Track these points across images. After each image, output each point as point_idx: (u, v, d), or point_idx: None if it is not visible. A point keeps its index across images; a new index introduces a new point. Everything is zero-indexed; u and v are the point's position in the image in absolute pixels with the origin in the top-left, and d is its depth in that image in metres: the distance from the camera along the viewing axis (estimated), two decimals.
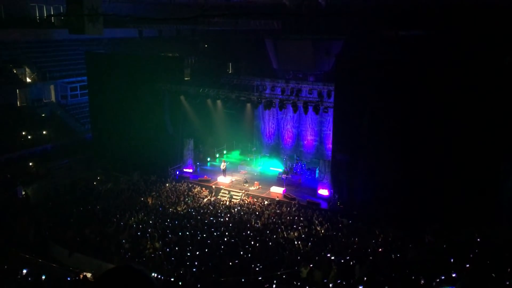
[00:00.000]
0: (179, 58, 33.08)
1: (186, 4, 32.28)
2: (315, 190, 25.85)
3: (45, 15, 36.25)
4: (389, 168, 22.64)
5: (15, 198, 24.94)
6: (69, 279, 15.69)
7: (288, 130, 31.67)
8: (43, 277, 15.06)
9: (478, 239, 18.92)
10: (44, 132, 32.33)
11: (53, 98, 36.18)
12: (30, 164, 28.94)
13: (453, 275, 14.92)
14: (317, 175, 27.36)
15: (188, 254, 18.25)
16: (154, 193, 25.80)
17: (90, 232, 20.44)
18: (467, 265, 16.03)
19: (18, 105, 33.93)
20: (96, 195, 25.65)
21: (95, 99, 32.60)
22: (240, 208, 24.09)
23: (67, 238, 20.08)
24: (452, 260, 16.89)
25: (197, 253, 18.30)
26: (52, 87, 35.96)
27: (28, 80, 34.52)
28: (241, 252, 18.45)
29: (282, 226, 21.14)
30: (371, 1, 26.63)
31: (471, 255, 17.40)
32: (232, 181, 28.04)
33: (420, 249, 18.50)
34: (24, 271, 15.26)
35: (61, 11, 35.05)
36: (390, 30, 30.17)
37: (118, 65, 30.65)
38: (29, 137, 31.40)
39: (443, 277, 14.69)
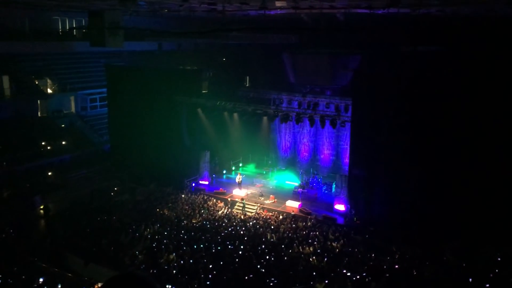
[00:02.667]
0: (197, 71, 33.38)
1: (204, 18, 32.66)
2: (332, 205, 25.64)
3: (67, 28, 37.02)
4: (407, 184, 22.36)
5: (33, 207, 25.26)
6: None
7: (305, 144, 31.59)
8: (59, 286, 15.17)
9: (499, 259, 18.52)
10: (63, 143, 32.81)
11: (73, 109, 36.78)
12: (49, 174, 29.35)
13: None
14: (333, 189, 27.15)
15: (202, 266, 18.19)
16: (170, 204, 25.89)
17: (106, 242, 20.56)
18: (487, 285, 15.68)
19: (39, 115, 34.54)
20: (113, 206, 25.83)
21: (114, 110, 33.05)
22: (256, 221, 24.00)
23: (83, 248, 20.21)
24: (471, 279, 16.55)
25: (211, 266, 18.23)
26: (72, 98, 36.59)
27: (49, 91, 35.17)
28: (256, 266, 18.33)
29: (297, 241, 20.98)
30: (390, 16, 26.58)
31: (491, 275, 17.02)
32: (247, 194, 27.99)
33: (438, 267, 18.16)
34: (41, 280, 15.39)
35: (83, 24, 35.75)
36: (408, 45, 30.00)
37: (137, 77, 31.05)
38: (48, 147, 31.88)
39: None
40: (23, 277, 16.23)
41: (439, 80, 22.00)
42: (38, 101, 34.45)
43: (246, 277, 17.27)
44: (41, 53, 34.91)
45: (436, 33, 29.30)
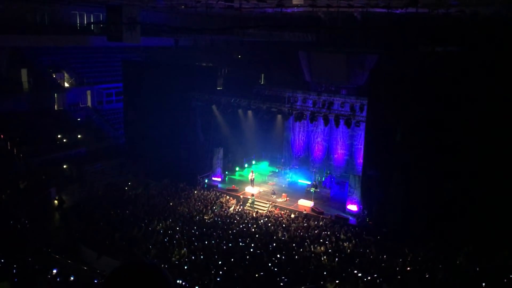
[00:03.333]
0: (212, 68, 33.49)
1: (221, 15, 32.74)
2: (344, 205, 25.51)
3: (86, 23, 37.40)
4: (421, 186, 22.13)
5: (48, 199, 25.59)
6: (96, 281, 15.92)
7: (318, 143, 31.44)
8: (72, 278, 15.33)
9: None
10: (79, 136, 33.16)
11: (89, 103, 37.15)
12: (65, 166, 29.69)
13: None
14: (347, 189, 27.00)
15: (213, 263, 18.26)
16: (182, 200, 26.03)
17: (119, 236, 20.74)
18: None
19: (56, 108, 34.96)
20: (127, 200, 26.06)
21: (130, 105, 33.30)
22: (267, 219, 23.99)
23: (96, 241, 20.43)
24: (484, 284, 16.34)
25: (222, 262, 18.27)
26: (88, 92, 36.95)
27: (66, 85, 35.58)
28: (267, 264, 18.33)
29: (308, 240, 20.92)
30: (408, 16, 26.32)
31: (505, 280, 16.79)
32: (259, 192, 28.00)
33: (451, 271, 17.96)
34: (54, 271, 15.57)
35: (101, 19, 36.08)
36: (426, 46, 29.64)
37: (153, 73, 31.23)
38: (64, 140, 32.25)
39: None
40: (37, 267, 16.45)
41: (456, 81, 21.71)
42: (55, 94, 34.86)
43: (257, 275, 17.29)
44: (59, 47, 35.31)
45: (454, 33, 28.91)
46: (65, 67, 35.92)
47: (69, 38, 34.68)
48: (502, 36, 26.73)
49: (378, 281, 17.03)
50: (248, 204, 26.27)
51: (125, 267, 2.21)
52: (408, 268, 18.52)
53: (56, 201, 25.58)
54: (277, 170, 31.58)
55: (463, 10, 24.41)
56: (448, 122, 21.13)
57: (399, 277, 17.49)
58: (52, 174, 28.04)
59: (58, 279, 15.26)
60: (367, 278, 17.17)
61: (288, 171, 30.93)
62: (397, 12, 25.52)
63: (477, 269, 17.99)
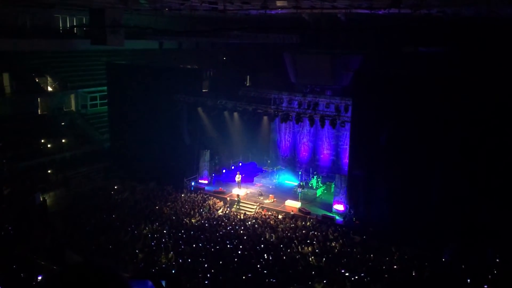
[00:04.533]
0: (198, 70, 33.43)
1: (206, 17, 32.71)
2: (331, 205, 25.64)
3: (68, 26, 37.01)
4: (407, 185, 22.36)
5: (33, 204, 25.25)
6: None
7: (304, 143, 31.59)
8: None
9: (497, 260, 18.55)
10: (63, 141, 32.76)
11: (73, 107, 36.71)
12: (49, 171, 29.34)
13: None
14: (332, 189, 27.14)
15: (201, 266, 18.20)
16: (169, 203, 25.91)
17: (105, 240, 20.57)
18: (485, 286, 15.71)
19: (39, 113, 34.50)
20: (113, 204, 25.84)
21: (114, 109, 33.05)
22: (255, 221, 24.01)
23: (82, 246, 20.21)
24: (469, 280, 16.58)
25: (210, 265, 18.23)
26: (72, 96, 36.51)
27: (50, 89, 35.12)
28: (255, 266, 18.34)
29: (296, 241, 20.99)
30: (391, 17, 26.59)
31: (490, 276, 17.05)
32: (247, 194, 28.00)
33: (437, 268, 18.18)
34: (39, 277, 15.39)
35: (84, 22, 35.73)
36: (409, 46, 30.02)
37: (138, 76, 31.04)
38: (48, 145, 31.85)
39: None
40: (22, 275, 16.24)
41: (439, 81, 21.99)
42: (38, 98, 34.40)
43: (245, 277, 17.29)
44: (42, 50, 34.88)
45: (437, 34, 29.31)
46: (48, 71, 35.47)
47: (52, 42, 34.27)
48: (484, 36, 27.18)
49: (365, 280, 17.17)
50: (235, 207, 26.24)
51: (68, 272, 1.86)
52: (395, 267, 18.69)
53: (41, 206, 25.25)
54: (263, 171, 31.60)
55: (445, 11, 24.73)
56: (432, 122, 21.38)
57: (386, 276, 17.64)
58: (37, 179, 27.68)
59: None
60: (354, 278, 17.30)
61: (276, 172, 30.97)
62: (380, 13, 25.74)
63: (463, 266, 18.25)
